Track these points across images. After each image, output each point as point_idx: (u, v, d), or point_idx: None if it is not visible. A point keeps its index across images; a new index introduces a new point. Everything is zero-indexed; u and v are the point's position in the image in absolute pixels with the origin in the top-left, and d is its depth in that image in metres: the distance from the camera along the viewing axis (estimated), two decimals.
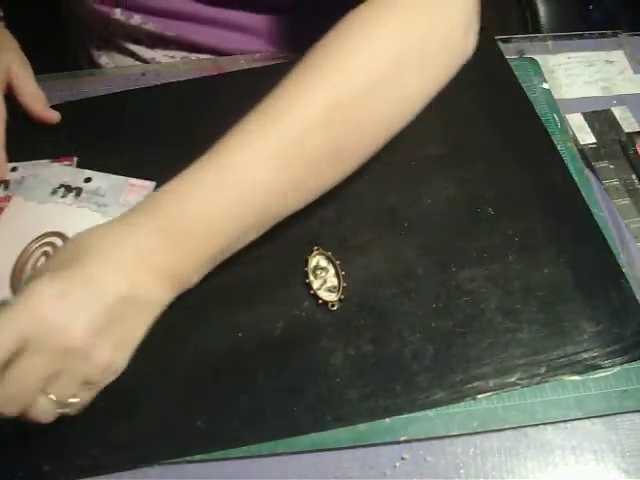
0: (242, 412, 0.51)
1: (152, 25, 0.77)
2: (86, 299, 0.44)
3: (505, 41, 0.79)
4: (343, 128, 0.51)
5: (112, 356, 0.46)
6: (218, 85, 0.72)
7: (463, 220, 0.59)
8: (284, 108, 0.50)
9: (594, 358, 0.53)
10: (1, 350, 0.41)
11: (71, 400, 0.46)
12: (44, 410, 0.45)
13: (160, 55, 0.81)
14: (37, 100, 0.67)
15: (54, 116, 0.68)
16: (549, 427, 0.52)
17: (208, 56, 0.80)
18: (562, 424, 0.52)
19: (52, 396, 0.44)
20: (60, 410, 0.46)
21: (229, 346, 0.55)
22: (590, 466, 0.50)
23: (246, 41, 0.79)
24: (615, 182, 0.65)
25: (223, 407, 0.52)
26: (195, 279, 0.51)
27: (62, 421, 0.51)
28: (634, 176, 0.66)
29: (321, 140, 0.50)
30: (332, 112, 0.50)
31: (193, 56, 0.81)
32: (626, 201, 0.64)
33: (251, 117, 0.50)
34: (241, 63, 0.76)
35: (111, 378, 0.47)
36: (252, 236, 0.52)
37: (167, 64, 0.79)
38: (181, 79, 0.74)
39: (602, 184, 0.65)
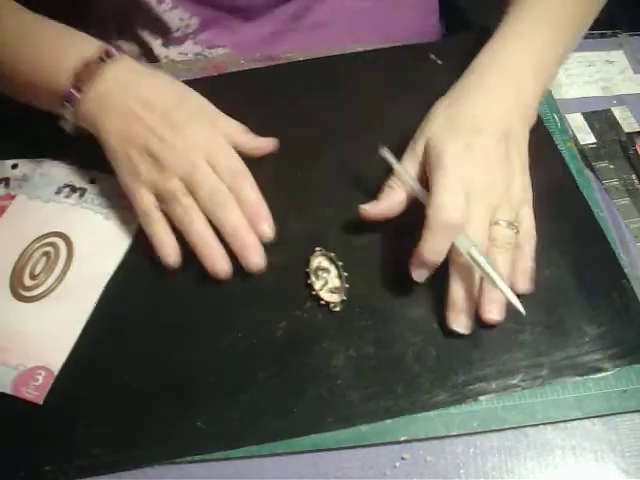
0: (242, 412, 0.51)
1: (180, 11, 0.76)
2: (484, 147, 0.56)
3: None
4: None
5: (522, 181, 0.57)
6: (218, 86, 0.72)
7: None
8: None
9: (596, 360, 0.53)
10: (465, 204, 0.53)
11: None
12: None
13: (174, 53, 0.81)
14: (247, 133, 0.64)
15: (271, 143, 0.65)
16: (549, 427, 0.52)
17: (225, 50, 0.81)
18: (562, 424, 0.52)
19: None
20: None
21: (230, 346, 0.54)
22: (590, 466, 0.50)
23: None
24: (615, 182, 0.65)
25: (223, 407, 0.52)
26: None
27: (63, 421, 0.51)
28: (634, 176, 0.66)
29: None
30: None
31: (206, 52, 0.81)
32: (626, 201, 0.64)
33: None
34: (241, 63, 0.76)
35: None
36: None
37: (167, 63, 0.79)
38: (181, 79, 0.73)
39: (602, 184, 0.65)
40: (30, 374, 0.53)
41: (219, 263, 0.56)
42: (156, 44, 0.80)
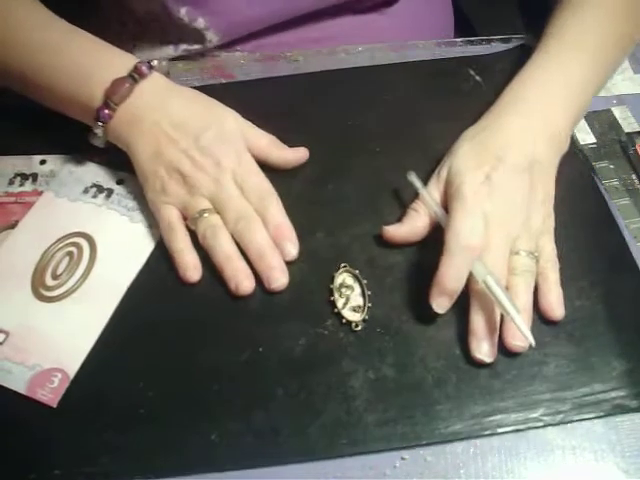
0: (257, 428, 0.51)
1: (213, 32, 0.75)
2: (505, 176, 0.57)
3: (505, 41, 0.78)
4: None
5: (543, 210, 0.57)
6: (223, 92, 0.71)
7: None
8: None
9: (622, 397, 0.51)
10: (484, 232, 0.54)
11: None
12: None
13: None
14: (277, 147, 0.64)
15: (302, 154, 0.65)
16: (549, 427, 0.51)
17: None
18: (562, 424, 0.51)
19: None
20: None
21: (249, 360, 0.54)
22: (590, 466, 0.49)
23: None
24: (615, 182, 0.65)
25: (239, 422, 0.51)
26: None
27: (76, 426, 0.51)
28: (634, 176, 0.65)
29: None
30: None
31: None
32: (626, 201, 0.63)
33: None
34: (241, 63, 0.76)
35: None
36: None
37: (167, 64, 0.77)
38: (181, 79, 0.73)
39: (602, 184, 0.64)
40: (46, 376, 0.53)
41: (243, 284, 0.56)
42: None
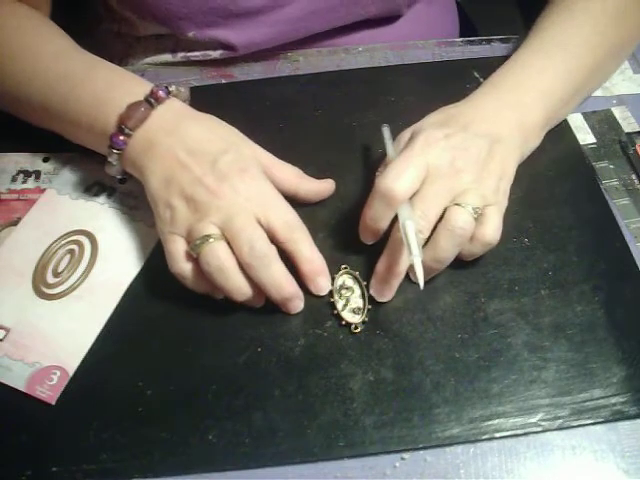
0: (255, 429, 0.51)
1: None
2: (464, 139, 0.56)
3: (504, 41, 0.78)
4: None
5: (498, 182, 0.56)
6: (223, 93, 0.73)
7: (496, 249, 0.57)
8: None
9: (622, 404, 0.51)
10: (415, 179, 0.53)
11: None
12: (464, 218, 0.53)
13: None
14: (305, 178, 0.62)
15: (330, 185, 0.63)
16: None
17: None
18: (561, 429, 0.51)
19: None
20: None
21: (248, 360, 0.54)
22: (590, 466, 0.49)
23: None
24: (615, 182, 0.64)
25: (237, 423, 0.51)
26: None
27: (73, 424, 0.51)
28: (634, 176, 0.65)
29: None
30: None
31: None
32: (626, 201, 0.63)
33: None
34: (241, 63, 0.76)
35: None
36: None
37: (167, 64, 0.77)
38: (180, 79, 0.74)
39: (602, 184, 0.64)
40: (45, 373, 0.53)
41: (254, 306, 0.56)
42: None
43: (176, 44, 0.76)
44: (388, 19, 0.81)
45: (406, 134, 0.60)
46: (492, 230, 0.55)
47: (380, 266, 0.55)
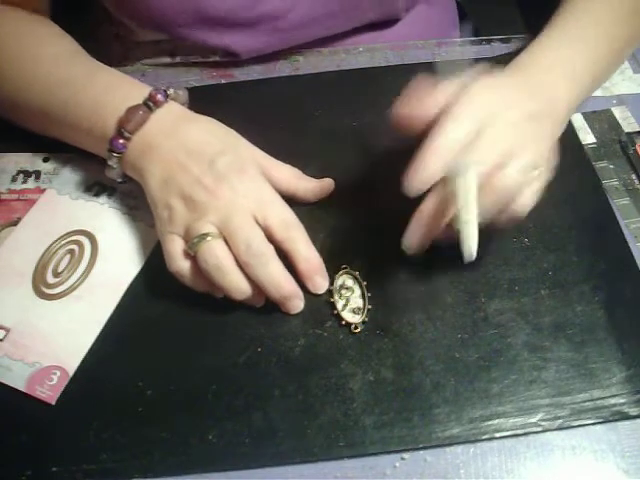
0: (255, 429, 0.51)
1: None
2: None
3: (505, 41, 0.78)
4: None
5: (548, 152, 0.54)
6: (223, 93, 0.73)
7: (496, 249, 0.57)
8: None
9: (622, 404, 0.51)
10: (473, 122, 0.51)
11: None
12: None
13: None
14: (303, 178, 0.62)
15: (328, 184, 0.63)
16: None
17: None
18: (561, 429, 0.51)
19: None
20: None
21: (247, 361, 0.54)
22: (590, 466, 0.49)
23: None
24: (615, 182, 0.64)
25: (237, 423, 0.51)
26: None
27: (73, 424, 0.51)
28: (634, 176, 0.65)
29: None
30: None
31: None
32: (626, 201, 0.63)
33: None
34: (241, 63, 0.76)
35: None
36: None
37: (167, 65, 0.77)
38: (180, 80, 0.74)
39: (602, 184, 0.64)
40: (45, 373, 0.53)
41: (254, 305, 0.56)
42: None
43: (175, 48, 0.76)
44: (387, 22, 0.81)
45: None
46: (528, 199, 0.53)
47: (418, 215, 0.52)
